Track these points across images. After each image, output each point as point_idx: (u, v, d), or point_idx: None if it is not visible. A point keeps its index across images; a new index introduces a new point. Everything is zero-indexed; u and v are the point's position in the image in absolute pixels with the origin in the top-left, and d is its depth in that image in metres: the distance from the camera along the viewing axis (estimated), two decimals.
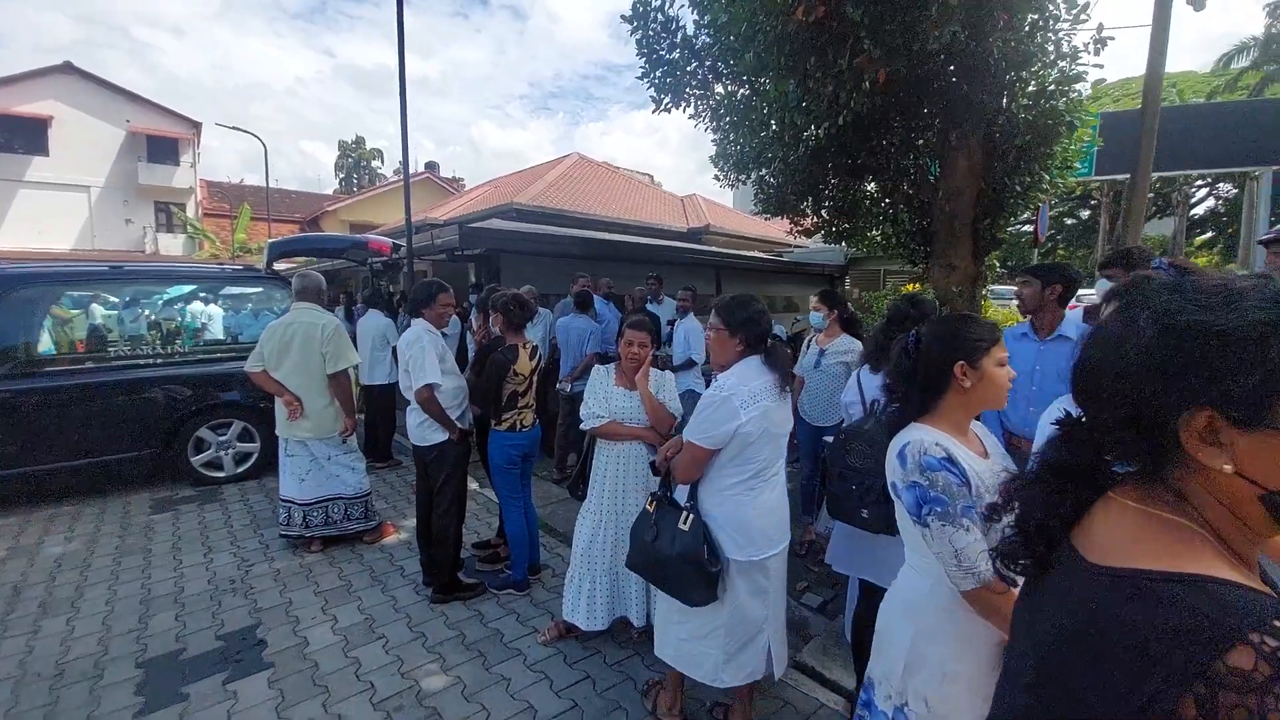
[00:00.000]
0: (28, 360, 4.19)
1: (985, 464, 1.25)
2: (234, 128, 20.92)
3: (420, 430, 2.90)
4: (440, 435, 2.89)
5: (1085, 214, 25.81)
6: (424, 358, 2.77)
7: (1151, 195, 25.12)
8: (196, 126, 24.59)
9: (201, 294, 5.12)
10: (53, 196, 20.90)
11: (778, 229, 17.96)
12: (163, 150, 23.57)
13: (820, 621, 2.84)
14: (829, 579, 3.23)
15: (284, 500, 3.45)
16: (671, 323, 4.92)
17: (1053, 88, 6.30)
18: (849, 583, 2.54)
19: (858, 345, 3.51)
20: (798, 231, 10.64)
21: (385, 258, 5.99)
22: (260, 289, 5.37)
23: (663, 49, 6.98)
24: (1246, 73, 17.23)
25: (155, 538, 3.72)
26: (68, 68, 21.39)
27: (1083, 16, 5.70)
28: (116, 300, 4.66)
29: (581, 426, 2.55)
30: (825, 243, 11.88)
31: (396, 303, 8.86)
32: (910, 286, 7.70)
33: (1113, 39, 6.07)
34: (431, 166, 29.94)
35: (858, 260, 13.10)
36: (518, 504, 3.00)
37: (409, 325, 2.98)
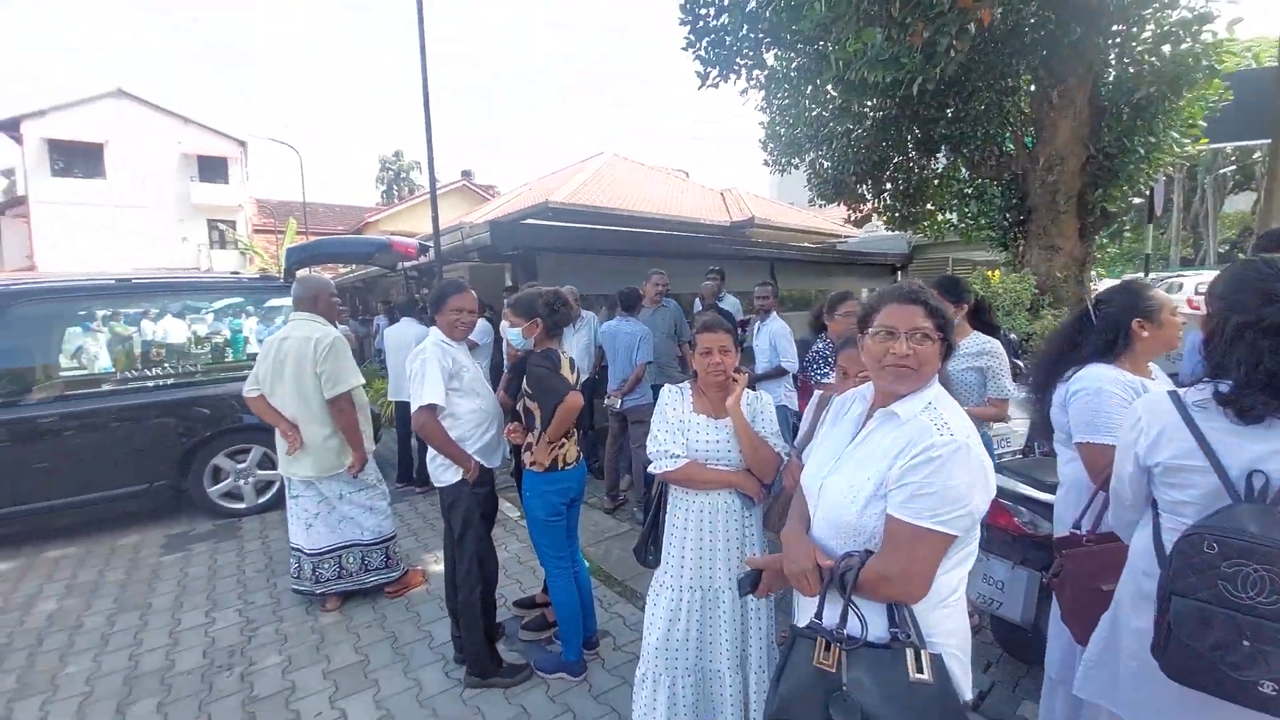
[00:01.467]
0: (35, 383, 3.86)
1: None
2: (271, 139, 21.28)
3: (433, 466, 2.31)
4: (454, 474, 2.28)
5: None
6: (424, 373, 2.20)
7: (1232, 169, 22.60)
8: (243, 145, 25.28)
9: (217, 306, 4.74)
10: (111, 217, 21.72)
11: (827, 219, 16.95)
12: (212, 169, 24.35)
13: None
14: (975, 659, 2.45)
15: (293, 548, 2.92)
16: (744, 324, 4.20)
17: (1177, 30, 5.27)
18: (1049, 675, 1.78)
19: (995, 344, 2.70)
20: (855, 219, 9.75)
21: (412, 260, 5.49)
22: (287, 299, 4.94)
23: (709, 14, 6.29)
24: None
25: (158, 588, 3.26)
26: (120, 93, 22.28)
27: None
28: (125, 315, 4.30)
29: (650, 469, 1.88)
30: (888, 230, 10.93)
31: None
32: (994, 275, 6.69)
33: None
34: (467, 174, 29.97)
35: (922, 248, 12.01)
36: (564, 565, 2.36)
37: None
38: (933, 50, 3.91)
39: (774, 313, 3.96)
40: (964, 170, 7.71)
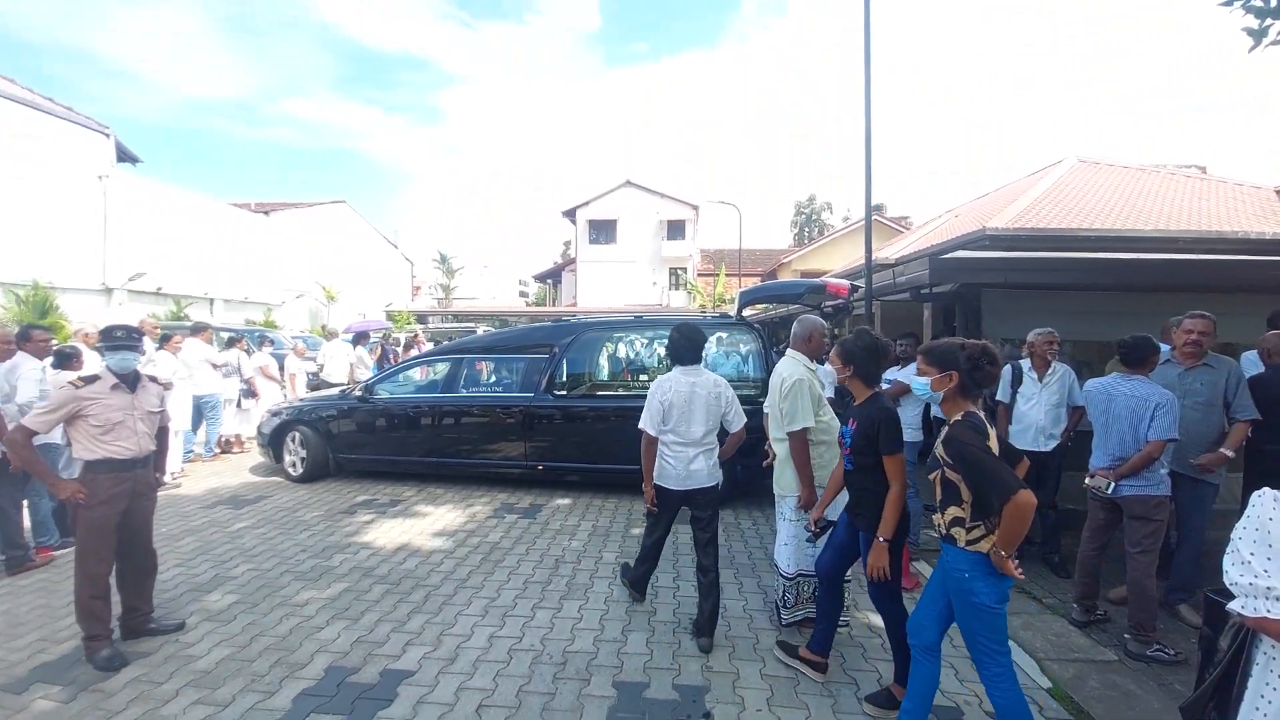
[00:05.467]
0: (588, 383, 5.77)
1: None
2: (719, 202, 26.10)
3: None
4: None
5: None
6: None
7: None
8: (696, 208, 31.86)
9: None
10: (617, 270, 30.93)
11: None
12: (675, 230, 31.63)
13: None
14: None
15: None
16: None
17: None
18: None
19: None
20: None
21: (841, 300, 5.67)
22: (731, 333, 5.89)
23: None
24: None
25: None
26: (628, 183, 31.75)
27: None
28: (637, 341, 5.96)
29: (1231, 606, 1.34)
30: None
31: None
32: None
33: None
34: (878, 209, 29.39)
35: None
36: (1009, 664, 1.97)
37: None
38: None
39: None
40: None
